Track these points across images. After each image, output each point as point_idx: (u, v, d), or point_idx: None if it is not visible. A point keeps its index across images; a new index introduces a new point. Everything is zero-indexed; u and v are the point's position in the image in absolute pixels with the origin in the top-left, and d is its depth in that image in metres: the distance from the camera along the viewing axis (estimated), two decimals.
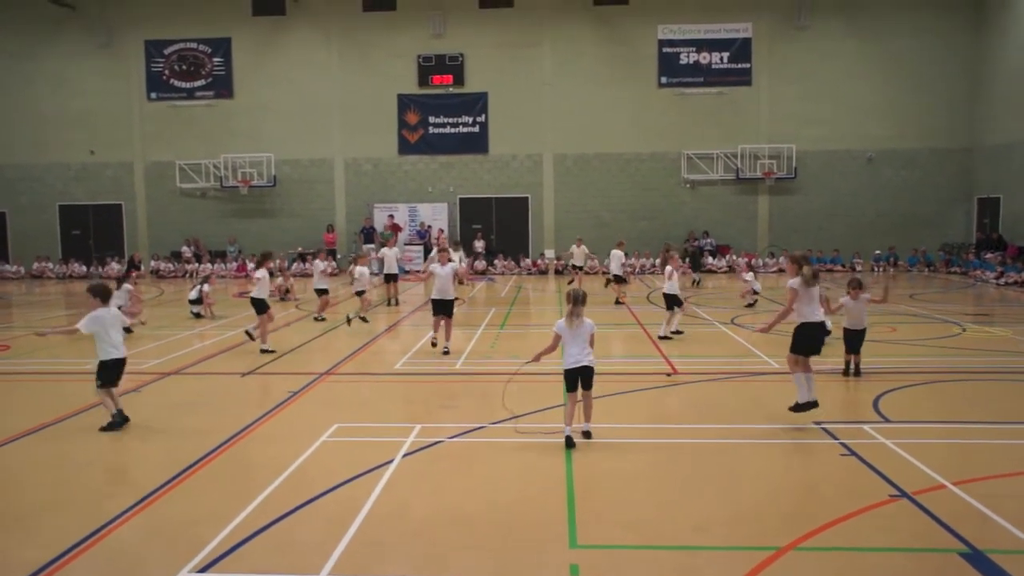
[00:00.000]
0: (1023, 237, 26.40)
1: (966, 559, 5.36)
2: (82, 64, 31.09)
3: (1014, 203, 27.29)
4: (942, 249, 29.15)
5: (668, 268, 14.54)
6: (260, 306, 13.56)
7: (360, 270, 17.02)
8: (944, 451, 7.77)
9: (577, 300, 8.02)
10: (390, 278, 20.14)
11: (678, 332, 14.55)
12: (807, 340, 8.58)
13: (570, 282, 22.84)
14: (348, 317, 16.16)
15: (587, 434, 8.08)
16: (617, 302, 19.53)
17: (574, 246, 24.01)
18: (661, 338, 14.20)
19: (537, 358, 8.30)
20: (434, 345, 13.23)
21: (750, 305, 18.49)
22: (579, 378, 7.97)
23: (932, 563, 5.39)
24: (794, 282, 8.55)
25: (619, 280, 20.14)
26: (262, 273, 13.73)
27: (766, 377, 11.21)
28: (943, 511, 6.15)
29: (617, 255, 20.29)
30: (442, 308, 13.02)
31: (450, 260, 13.50)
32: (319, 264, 17.83)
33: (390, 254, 20.36)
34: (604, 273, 23.78)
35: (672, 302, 14.43)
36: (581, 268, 23.74)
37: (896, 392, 10.10)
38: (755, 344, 13.70)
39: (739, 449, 7.96)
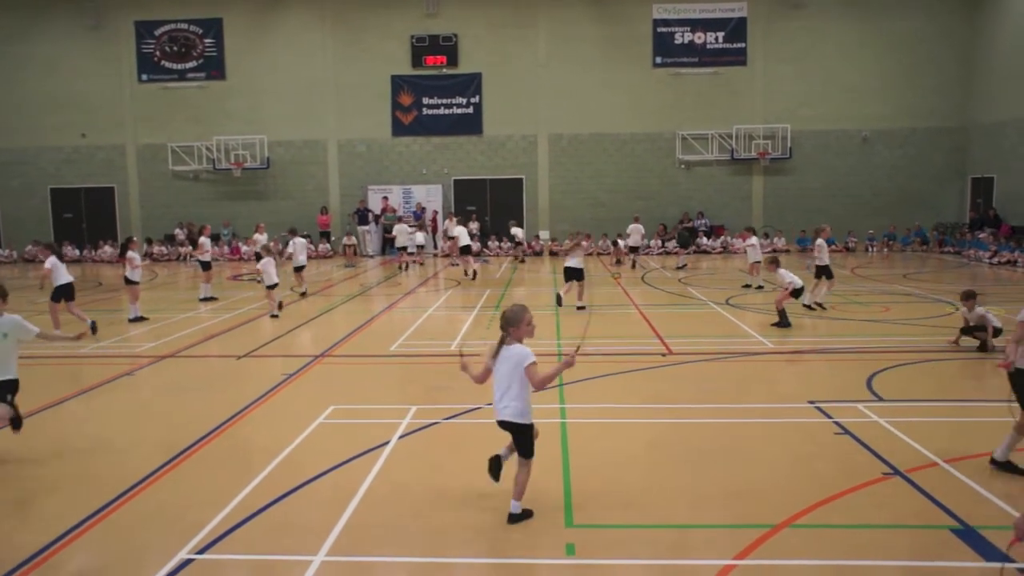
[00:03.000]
0: (1016, 216, 26.45)
1: (958, 535, 5.41)
2: (72, 46, 30.78)
3: (1007, 182, 27.31)
4: (936, 228, 29.21)
5: (819, 241, 15.19)
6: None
7: (298, 240, 18.94)
8: (937, 429, 7.82)
9: (502, 324, 5.82)
10: (402, 249, 24.79)
11: (819, 305, 14.91)
12: None
13: (521, 261, 26.48)
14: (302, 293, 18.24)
15: (511, 516, 5.80)
16: (625, 264, 21.85)
17: (515, 228, 27.76)
18: (805, 306, 14.79)
19: (463, 366, 6.03)
20: (559, 303, 15.53)
21: (748, 286, 18.41)
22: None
23: (925, 539, 5.44)
24: None
25: (634, 250, 23.84)
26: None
27: (760, 357, 11.25)
28: (936, 488, 6.21)
29: (638, 228, 24.39)
30: (573, 274, 15.53)
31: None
32: (301, 242, 19.24)
33: (403, 228, 24.96)
34: (615, 253, 26.60)
35: (822, 272, 15.00)
36: (521, 244, 27.68)
37: (889, 371, 10.15)
38: (749, 324, 13.75)
39: (734, 429, 8.01)
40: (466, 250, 22.34)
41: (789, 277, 13.62)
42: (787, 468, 6.85)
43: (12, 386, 7.38)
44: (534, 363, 5.64)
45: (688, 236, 27.84)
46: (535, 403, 5.99)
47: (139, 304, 15.33)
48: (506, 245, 29.57)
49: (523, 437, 5.80)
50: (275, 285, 15.62)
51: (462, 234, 22.60)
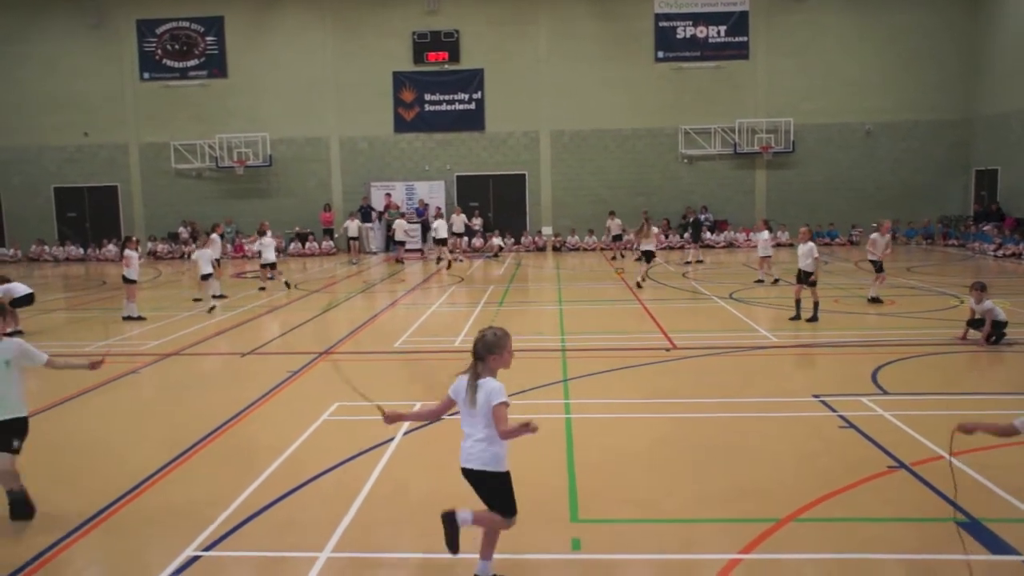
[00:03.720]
0: (1021, 209, 26.36)
1: (963, 528, 5.40)
2: (74, 45, 30.79)
3: (1012, 175, 27.21)
4: (940, 221, 29.13)
5: (873, 236, 15.42)
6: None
7: (266, 239, 19.57)
8: (942, 422, 7.75)
9: (478, 350, 4.72)
10: (399, 244, 26.28)
11: (876, 300, 14.98)
12: None
13: (438, 260, 25.15)
14: (287, 284, 19.24)
15: None
16: (625, 259, 20.85)
17: (450, 217, 27.18)
18: (871, 300, 14.99)
19: (395, 417, 5.09)
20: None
21: (761, 282, 18.34)
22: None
23: (930, 532, 5.44)
24: None
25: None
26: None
27: (764, 351, 11.24)
28: (941, 482, 6.19)
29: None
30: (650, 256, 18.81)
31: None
32: (269, 240, 19.74)
33: (402, 224, 26.65)
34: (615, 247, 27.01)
35: (876, 267, 15.21)
36: (503, 246, 28.31)
37: (894, 364, 10.14)
38: (753, 318, 13.73)
39: (739, 423, 8.00)
40: (442, 242, 24.31)
41: (806, 256, 13.51)
42: (791, 462, 6.85)
43: (19, 427, 6.05)
44: (503, 404, 4.57)
45: (695, 230, 27.81)
46: (544, 399, 5.96)
47: (136, 304, 15.35)
48: (509, 241, 29.57)
49: (501, 489, 4.70)
50: (209, 275, 16.58)
51: (440, 226, 24.27)
